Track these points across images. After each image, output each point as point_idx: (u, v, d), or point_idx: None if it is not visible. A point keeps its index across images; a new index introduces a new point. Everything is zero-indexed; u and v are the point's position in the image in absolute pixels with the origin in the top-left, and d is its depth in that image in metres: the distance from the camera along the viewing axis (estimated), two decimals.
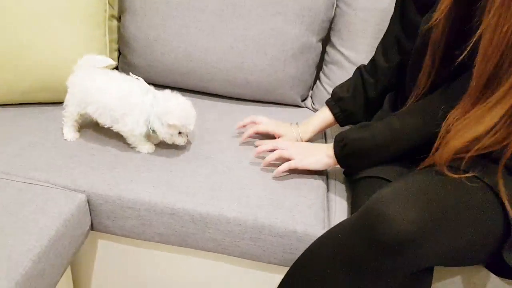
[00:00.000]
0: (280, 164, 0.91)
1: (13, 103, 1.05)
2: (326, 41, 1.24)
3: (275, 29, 1.13)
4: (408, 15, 0.91)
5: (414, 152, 0.79)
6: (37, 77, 1.01)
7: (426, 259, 0.66)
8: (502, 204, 0.68)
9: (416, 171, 0.76)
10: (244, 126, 1.04)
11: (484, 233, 0.69)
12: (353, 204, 0.87)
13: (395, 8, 0.97)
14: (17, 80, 1.00)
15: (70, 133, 0.95)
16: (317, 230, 0.83)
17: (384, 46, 0.98)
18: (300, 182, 0.94)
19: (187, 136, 0.95)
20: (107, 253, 0.96)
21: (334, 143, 0.89)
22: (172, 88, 1.00)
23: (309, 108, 1.27)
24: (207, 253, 0.89)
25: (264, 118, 1.03)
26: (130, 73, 0.94)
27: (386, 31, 0.99)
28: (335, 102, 1.02)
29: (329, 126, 1.05)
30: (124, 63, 1.24)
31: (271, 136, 1.03)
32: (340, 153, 0.87)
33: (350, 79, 1.03)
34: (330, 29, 1.22)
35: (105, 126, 0.92)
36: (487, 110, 0.67)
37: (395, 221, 0.62)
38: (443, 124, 0.71)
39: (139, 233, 0.88)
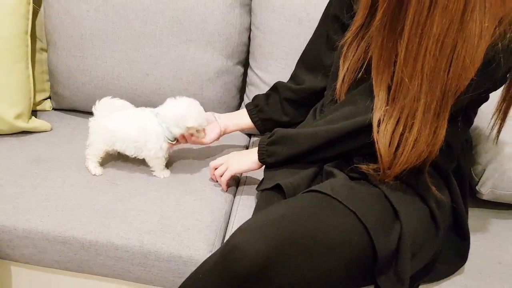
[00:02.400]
0: None
1: None
2: (247, 62, 1.27)
3: (187, 56, 1.17)
4: (329, 34, 0.96)
5: (341, 147, 0.82)
6: None
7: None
8: (366, 228, 0.70)
9: (281, 201, 0.78)
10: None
11: (350, 261, 0.70)
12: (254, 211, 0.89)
13: (316, 29, 1.02)
14: None
15: (97, 168, 1.02)
16: (203, 254, 0.86)
17: (306, 64, 1.03)
18: (200, 205, 0.96)
19: (204, 130, 1.02)
20: (17, 279, 0.99)
21: (262, 137, 0.92)
22: None
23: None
24: (104, 277, 0.92)
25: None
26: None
27: (306, 51, 1.04)
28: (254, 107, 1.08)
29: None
30: (53, 92, 1.29)
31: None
32: (266, 141, 0.89)
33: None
34: (248, 52, 1.25)
35: (132, 156, 1.01)
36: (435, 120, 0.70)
37: (245, 252, 0.64)
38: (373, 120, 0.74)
39: (38, 260, 0.91)
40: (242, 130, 1.16)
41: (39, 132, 1.19)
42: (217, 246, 0.90)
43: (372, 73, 0.75)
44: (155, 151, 0.99)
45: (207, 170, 1.06)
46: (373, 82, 0.74)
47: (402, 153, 0.70)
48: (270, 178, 0.89)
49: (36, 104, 1.30)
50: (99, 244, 0.87)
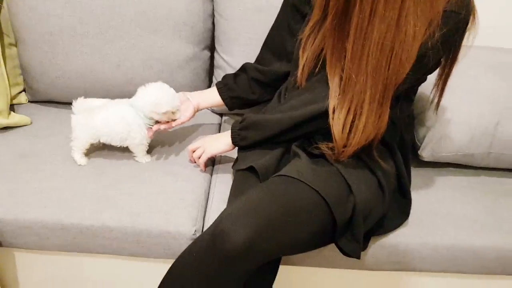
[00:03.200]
0: None
1: None
2: (213, 48, 1.35)
3: (155, 46, 1.24)
4: (290, 24, 1.06)
5: (303, 130, 0.94)
6: None
7: (267, 258, 0.82)
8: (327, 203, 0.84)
9: (256, 186, 0.90)
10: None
11: (317, 230, 0.85)
12: (228, 198, 1.01)
13: (277, 17, 1.11)
14: None
15: (82, 158, 1.11)
16: (188, 228, 0.99)
17: (271, 49, 1.13)
18: (182, 186, 1.08)
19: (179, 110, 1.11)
20: (20, 263, 1.10)
21: (234, 122, 1.02)
22: None
23: (208, 109, 1.40)
24: (103, 254, 1.04)
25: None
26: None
27: (270, 36, 1.13)
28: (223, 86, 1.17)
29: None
30: (27, 86, 1.34)
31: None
32: (238, 126, 1.00)
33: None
34: (213, 36, 1.33)
35: (118, 146, 1.10)
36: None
37: (231, 238, 0.76)
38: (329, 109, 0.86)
39: (41, 246, 1.02)
40: (212, 107, 1.27)
41: (20, 126, 1.26)
42: (199, 220, 1.03)
43: (326, 66, 0.87)
44: (139, 138, 1.08)
45: (186, 153, 1.17)
46: (328, 74, 0.86)
47: (353, 137, 0.84)
48: (244, 159, 1.02)
49: (12, 98, 1.35)
50: (95, 228, 0.98)
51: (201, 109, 1.18)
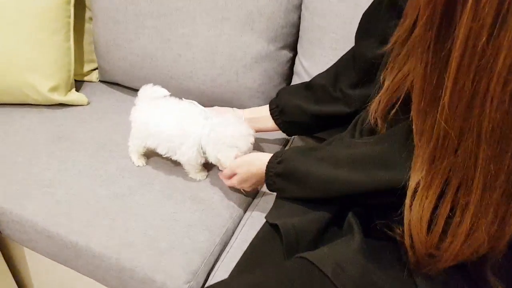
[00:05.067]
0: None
1: None
2: (294, 48, 1.06)
3: (221, 37, 1.00)
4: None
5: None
6: None
7: None
8: None
9: (269, 264, 0.62)
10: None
11: None
12: (238, 261, 0.70)
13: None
14: None
15: (139, 160, 0.95)
16: (178, 284, 0.73)
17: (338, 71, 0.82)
18: (199, 218, 0.84)
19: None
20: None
21: (271, 158, 0.74)
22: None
23: None
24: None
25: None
26: (183, 98, 0.91)
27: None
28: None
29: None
30: (98, 64, 1.25)
31: None
32: (274, 169, 0.72)
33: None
34: (298, 35, 1.03)
35: (164, 156, 0.90)
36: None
37: None
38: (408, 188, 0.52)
39: (32, 247, 0.89)
40: (265, 131, 0.96)
41: (77, 105, 1.17)
42: (201, 275, 0.77)
43: (411, 112, 0.50)
44: (188, 157, 0.85)
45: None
46: (413, 127, 0.50)
47: (449, 244, 0.47)
48: (278, 208, 0.72)
49: (83, 74, 1.28)
50: (79, 247, 0.80)
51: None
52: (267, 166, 0.73)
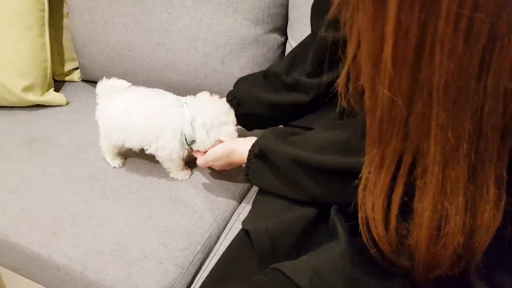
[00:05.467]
0: None
1: None
2: (285, 31, 0.95)
3: (202, 21, 0.90)
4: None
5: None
6: None
7: None
8: None
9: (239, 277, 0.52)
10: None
11: None
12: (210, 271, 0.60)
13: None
14: None
15: (114, 160, 0.85)
16: None
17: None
18: (178, 223, 0.73)
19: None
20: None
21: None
22: None
23: None
24: None
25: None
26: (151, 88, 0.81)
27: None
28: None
29: None
30: (78, 62, 1.16)
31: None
32: (255, 149, 0.63)
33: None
34: (287, 16, 0.93)
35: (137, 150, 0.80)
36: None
37: None
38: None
39: None
40: None
41: (54, 106, 1.08)
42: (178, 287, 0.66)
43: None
44: (169, 151, 0.75)
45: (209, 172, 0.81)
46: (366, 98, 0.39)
47: (416, 242, 0.37)
48: (256, 208, 0.61)
49: (65, 74, 1.20)
50: (42, 259, 0.71)
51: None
52: (249, 150, 0.63)
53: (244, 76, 0.80)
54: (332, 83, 0.53)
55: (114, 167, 0.85)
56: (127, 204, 0.77)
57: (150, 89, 0.79)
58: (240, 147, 0.66)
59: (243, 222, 0.61)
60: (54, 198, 0.79)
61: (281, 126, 0.76)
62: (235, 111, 0.76)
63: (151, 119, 0.74)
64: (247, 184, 0.83)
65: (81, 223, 0.73)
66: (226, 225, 0.77)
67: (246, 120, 0.78)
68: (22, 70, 1.03)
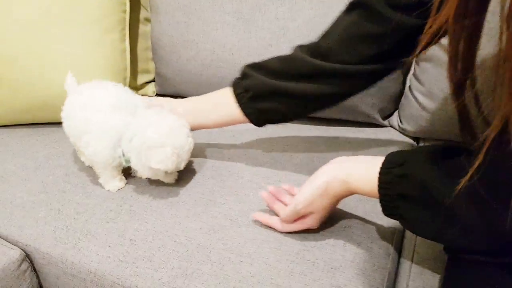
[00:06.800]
0: None
1: (10, 123, 0.91)
2: None
3: (328, 15, 0.76)
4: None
5: None
6: (33, 94, 0.85)
7: None
8: None
9: None
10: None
11: None
12: None
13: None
14: (12, 97, 0.85)
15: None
16: None
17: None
18: (344, 258, 0.56)
19: (177, 173, 0.66)
20: None
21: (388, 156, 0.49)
22: None
23: (394, 128, 0.86)
24: None
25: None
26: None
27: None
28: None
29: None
30: (156, 73, 1.02)
31: None
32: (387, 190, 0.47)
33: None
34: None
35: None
36: None
37: None
38: None
39: None
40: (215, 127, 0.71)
41: None
42: None
43: None
44: (92, 149, 0.64)
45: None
46: None
47: None
48: None
49: (137, 88, 1.06)
50: None
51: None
52: (381, 170, 0.48)
53: (254, 63, 0.65)
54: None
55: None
56: (265, 233, 0.60)
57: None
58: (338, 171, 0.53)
59: None
60: (170, 227, 0.61)
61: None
62: (247, 107, 0.63)
63: (84, 112, 0.65)
64: None
65: (217, 258, 0.56)
66: (399, 259, 0.59)
67: (259, 116, 0.64)
68: (101, 77, 0.86)
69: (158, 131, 0.61)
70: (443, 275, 0.51)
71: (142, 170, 0.63)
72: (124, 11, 0.92)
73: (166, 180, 0.67)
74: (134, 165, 0.64)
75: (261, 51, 0.82)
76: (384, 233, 0.60)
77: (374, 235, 0.60)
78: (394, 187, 0.47)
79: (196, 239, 0.59)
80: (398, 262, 0.59)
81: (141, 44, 1.03)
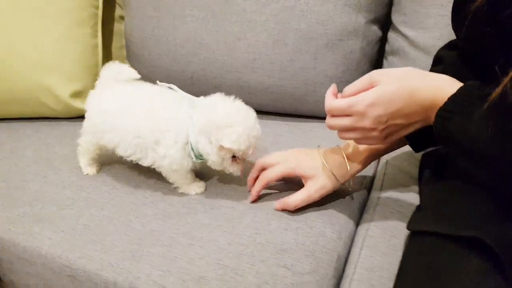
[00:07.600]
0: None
1: None
2: (386, 23, 0.83)
3: (296, 7, 0.78)
4: None
5: None
6: (2, 87, 0.85)
7: None
8: None
9: None
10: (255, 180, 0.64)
11: None
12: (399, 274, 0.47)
13: None
14: None
15: (87, 166, 0.71)
16: None
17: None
18: (296, 241, 0.55)
19: (244, 161, 0.62)
20: None
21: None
22: None
23: None
24: None
25: (275, 157, 0.63)
26: (158, 81, 0.67)
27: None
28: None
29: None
30: None
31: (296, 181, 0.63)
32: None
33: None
34: (391, 3, 0.81)
35: (130, 160, 0.64)
36: None
37: None
38: None
39: None
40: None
41: None
42: None
43: None
44: (170, 159, 0.60)
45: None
46: None
47: None
48: (435, 211, 0.45)
49: None
50: None
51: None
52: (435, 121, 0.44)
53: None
54: None
55: (87, 174, 0.70)
56: (221, 218, 0.59)
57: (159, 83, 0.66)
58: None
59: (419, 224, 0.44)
60: (125, 213, 0.61)
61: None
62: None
63: (153, 121, 0.59)
64: (364, 190, 0.66)
65: (168, 242, 0.55)
66: (352, 243, 0.59)
67: None
68: (71, 73, 0.89)
69: (229, 111, 0.58)
70: (405, 250, 0.51)
71: (212, 156, 0.58)
72: (96, 7, 0.93)
73: (232, 169, 0.61)
74: (205, 152, 0.59)
75: (230, 44, 0.83)
76: (339, 218, 0.60)
77: (329, 220, 0.60)
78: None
79: (150, 225, 0.59)
80: (351, 246, 0.58)
81: (117, 42, 1.04)
